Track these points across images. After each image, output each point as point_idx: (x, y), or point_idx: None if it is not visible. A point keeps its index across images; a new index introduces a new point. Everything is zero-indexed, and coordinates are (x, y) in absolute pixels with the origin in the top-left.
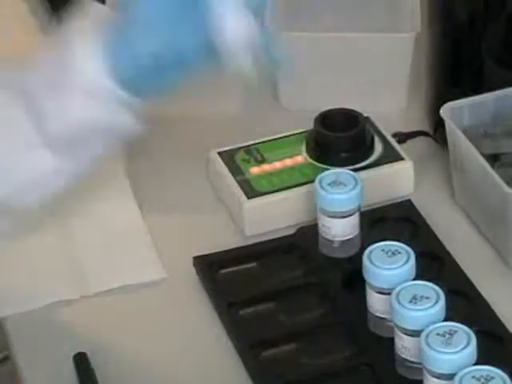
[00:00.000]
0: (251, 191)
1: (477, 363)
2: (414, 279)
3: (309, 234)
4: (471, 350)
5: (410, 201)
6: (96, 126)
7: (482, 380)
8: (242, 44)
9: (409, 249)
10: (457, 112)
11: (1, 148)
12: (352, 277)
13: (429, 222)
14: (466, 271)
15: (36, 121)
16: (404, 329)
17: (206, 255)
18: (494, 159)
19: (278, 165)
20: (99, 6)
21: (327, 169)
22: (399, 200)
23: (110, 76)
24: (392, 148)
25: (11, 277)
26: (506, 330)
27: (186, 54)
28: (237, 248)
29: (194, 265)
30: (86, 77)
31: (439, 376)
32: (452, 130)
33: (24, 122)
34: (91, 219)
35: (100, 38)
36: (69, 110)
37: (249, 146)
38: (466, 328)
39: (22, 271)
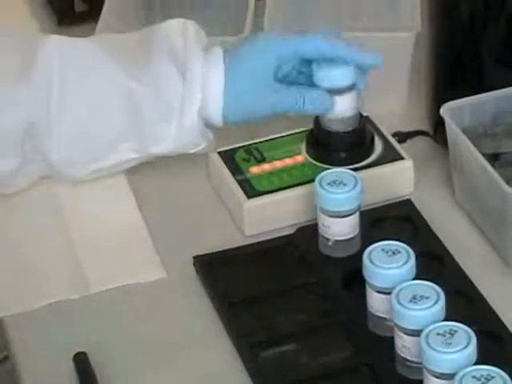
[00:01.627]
0: (251, 191)
1: (477, 363)
2: (414, 279)
3: (308, 233)
4: (471, 349)
5: (409, 200)
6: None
7: (482, 380)
8: None
9: (409, 248)
10: (457, 112)
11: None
12: (352, 276)
13: (429, 221)
14: (466, 271)
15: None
16: (404, 328)
17: (206, 255)
18: (494, 159)
19: (277, 164)
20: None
21: (327, 168)
22: (399, 200)
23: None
24: (392, 147)
25: (11, 277)
26: (506, 330)
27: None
28: (237, 248)
29: (194, 265)
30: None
31: (439, 376)
32: (452, 129)
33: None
34: (91, 219)
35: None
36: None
37: (249, 145)
38: (466, 328)
39: (21, 271)
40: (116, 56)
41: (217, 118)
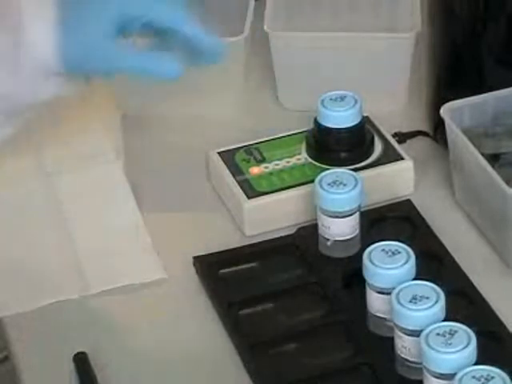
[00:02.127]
0: (251, 191)
1: (477, 363)
2: (414, 279)
3: (308, 233)
4: (471, 349)
5: (409, 201)
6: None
7: (482, 380)
8: None
9: (409, 249)
10: (457, 112)
11: None
12: (352, 277)
13: (429, 222)
14: (466, 271)
15: None
16: (404, 329)
17: (206, 255)
18: (494, 159)
19: (278, 165)
20: None
21: (327, 169)
22: (399, 200)
23: (57, 52)
24: (392, 148)
25: (11, 277)
26: (506, 330)
27: None
28: (237, 248)
29: (194, 265)
30: (34, 50)
31: (439, 376)
32: (452, 130)
33: None
34: (91, 219)
35: (52, 9)
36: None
37: (249, 145)
38: (466, 328)
39: (21, 271)
40: None
41: (53, 62)
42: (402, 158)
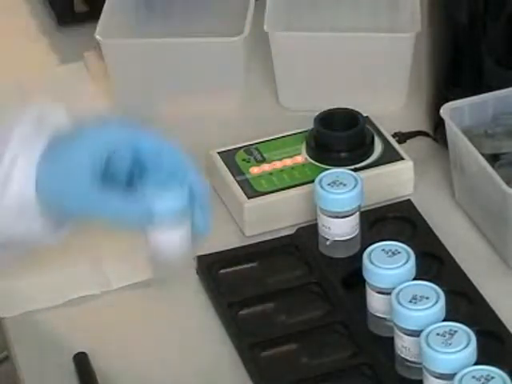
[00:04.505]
0: (251, 191)
1: (477, 363)
2: (414, 279)
3: (309, 233)
4: (471, 349)
5: (409, 201)
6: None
7: (482, 380)
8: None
9: (409, 249)
10: (457, 112)
11: None
12: (352, 277)
13: (429, 221)
14: (466, 271)
15: None
16: (404, 329)
17: (206, 255)
18: (494, 159)
19: (277, 165)
20: (49, 108)
21: (327, 169)
22: (399, 200)
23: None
24: (392, 148)
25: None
26: (506, 330)
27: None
28: (237, 248)
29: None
30: (15, 187)
31: (439, 376)
32: (452, 130)
33: None
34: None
35: (39, 150)
36: None
37: (249, 145)
38: (466, 328)
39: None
40: None
41: (32, 204)
42: (402, 158)
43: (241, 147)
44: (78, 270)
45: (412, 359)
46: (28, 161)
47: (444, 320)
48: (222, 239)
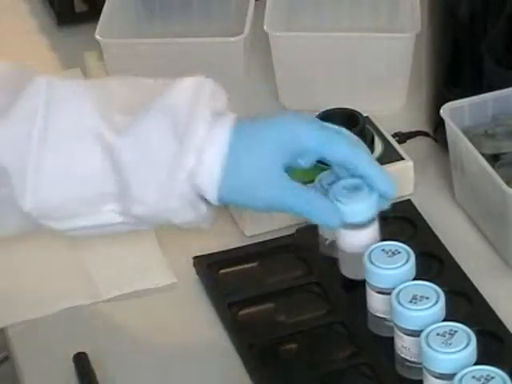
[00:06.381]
0: None
1: (477, 363)
2: (414, 279)
3: (309, 234)
4: (471, 349)
5: (409, 201)
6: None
7: (482, 380)
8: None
9: (409, 249)
10: (457, 112)
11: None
12: None
13: (429, 222)
14: (466, 271)
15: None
16: (404, 329)
17: (206, 255)
18: (494, 159)
19: None
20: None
21: (327, 169)
22: (399, 200)
23: (219, 185)
24: (392, 148)
25: (14, 285)
26: (506, 330)
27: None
28: (237, 248)
29: (194, 265)
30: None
31: (439, 376)
32: (452, 130)
33: (107, 175)
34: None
35: (226, 143)
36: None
37: None
38: (466, 328)
39: (28, 279)
40: (105, 109)
41: (211, 193)
42: (402, 158)
43: None
44: (68, 282)
45: (412, 359)
46: (218, 151)
47: (444, 320)
48: (222, 239)
